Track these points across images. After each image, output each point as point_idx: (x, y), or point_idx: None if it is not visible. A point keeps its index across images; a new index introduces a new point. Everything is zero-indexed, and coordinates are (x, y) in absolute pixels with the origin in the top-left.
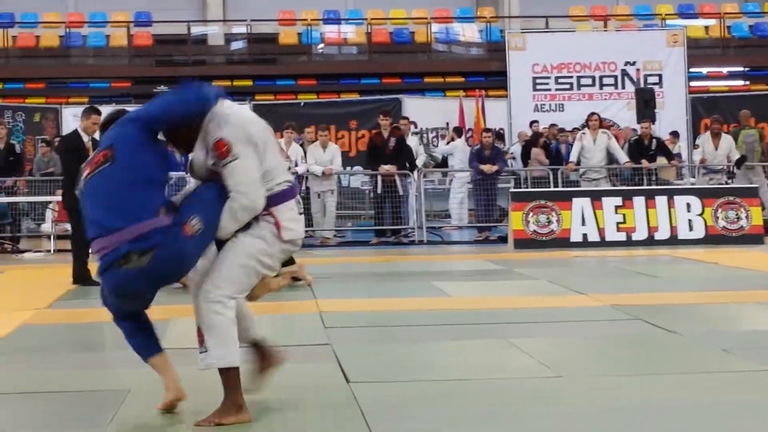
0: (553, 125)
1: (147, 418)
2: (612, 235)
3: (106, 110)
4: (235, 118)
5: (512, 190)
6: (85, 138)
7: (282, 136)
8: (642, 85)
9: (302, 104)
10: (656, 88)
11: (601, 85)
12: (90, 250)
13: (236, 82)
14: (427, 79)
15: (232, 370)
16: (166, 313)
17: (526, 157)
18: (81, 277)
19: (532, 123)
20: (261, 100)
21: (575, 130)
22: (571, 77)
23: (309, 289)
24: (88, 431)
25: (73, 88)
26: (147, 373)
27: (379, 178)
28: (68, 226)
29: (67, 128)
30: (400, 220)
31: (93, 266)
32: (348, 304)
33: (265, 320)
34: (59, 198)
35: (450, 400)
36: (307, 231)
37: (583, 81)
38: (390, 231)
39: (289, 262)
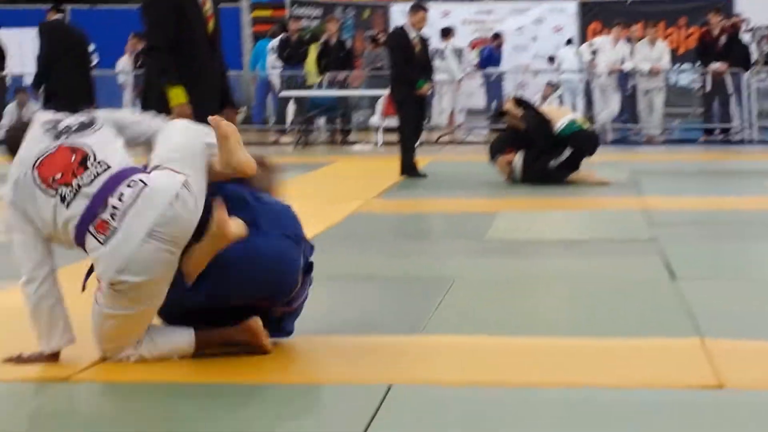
0: None
1: (471, 307)
2: None
3: (433, 6)
4: None
5: None
6: (412, 34)
7: (610, 33)
8: None
9: (629, 2)
10: None
11: None
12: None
13: None
14: None
15: None
16: (494, 206)
17: None
18: (408, 168)
19: None
20: None
21: None
22: None
23: (634, 185)
24: (414, 317)
25: None
26: (472, 263)
27: (708, 76)
28: (396, 120)
29: (394, 25)
30: (729, 118)
31: (420, 159)
32: (673, 201)
33: (590, 215)
34: (387, 92)
35: None
36: (632, 128)
37: None
38: (718, 129)
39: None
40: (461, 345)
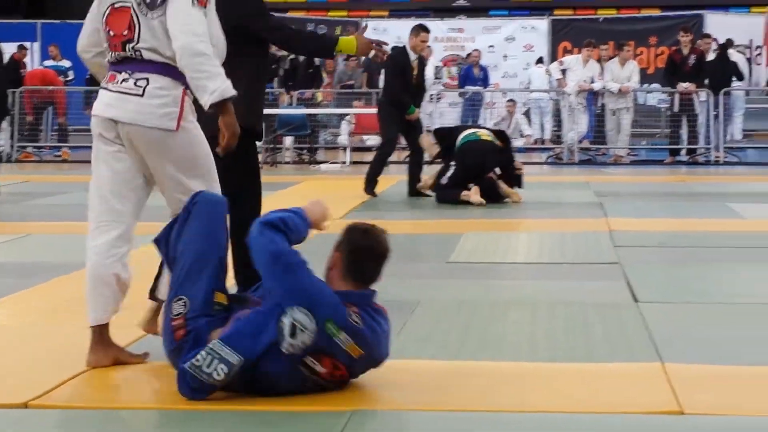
0: None
1: (435, 331)
2: None
3: (405, 23)
4: None
5: None
6: (412, 56)
7: (580, 52)
8: None
9: (601, 20)
10: None
11: None
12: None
13: None
14: None
15: None
16: (459, 227)
17: None
18: (371, 187)
19: None
20: (560, 15)
21: None
22: None
23: (600, 206)
24: None
25: (373, 2)
26: (437, 285)
27: (677, 96)
28: (364, 138)
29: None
30: (696, 139)
31: (383, 179)
32: (639, 223)
33: (554, 237)
34: (357, 110)
35: (740, 324)
36: (599, 148)
37: None
38: (685, 150)
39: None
40: (424, 369)
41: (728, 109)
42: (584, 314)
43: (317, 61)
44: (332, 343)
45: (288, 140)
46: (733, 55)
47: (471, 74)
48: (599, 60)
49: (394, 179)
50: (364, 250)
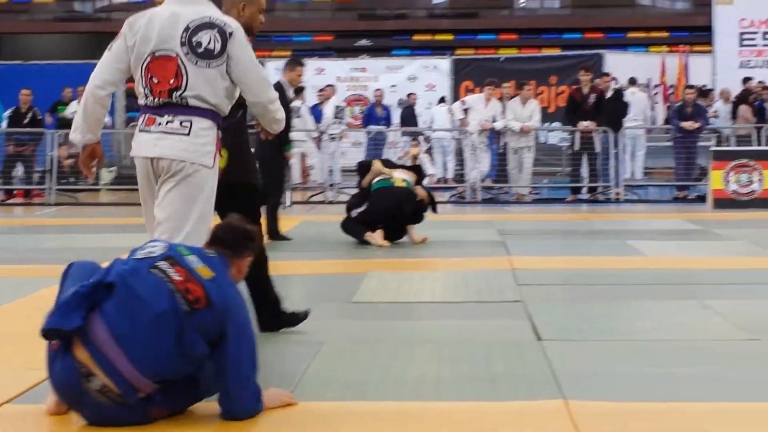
0: (761, 82)
1: (340, 371)
2: None
3: (308, 63)
4: None
5: (713, 148)
6: (289, 91)
7: (482, 91)
8: None
9: (502, 59)
10: None
11: None
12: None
13: (437, 36)
14: (630, 34)
15: None
16: (363, 266)
17: (735, 115)
18: (275, 231)
19: (745, 80)
20: (461, 54)
21: None
22: None
23: (502, 245)
24: (283, 382)
25: (276, 41)
26: (341, 326)
27: (577, 134)
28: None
29: (270, 81)
30: (597, 177)
31: (290, 219)
32: (541, 261)
33: (457, 276)
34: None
35: (642, 360)
36: (502, 187)
37: None
38: (586, 188)
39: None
40: (328, 411)
41: (628, 147)
42: (488, 353)
43: None
44: (183, 260)
45: None
46: (636, 93)
47: (374, 113)
48: (501, 99)
49: (296, 220)
50: (220, 225)
